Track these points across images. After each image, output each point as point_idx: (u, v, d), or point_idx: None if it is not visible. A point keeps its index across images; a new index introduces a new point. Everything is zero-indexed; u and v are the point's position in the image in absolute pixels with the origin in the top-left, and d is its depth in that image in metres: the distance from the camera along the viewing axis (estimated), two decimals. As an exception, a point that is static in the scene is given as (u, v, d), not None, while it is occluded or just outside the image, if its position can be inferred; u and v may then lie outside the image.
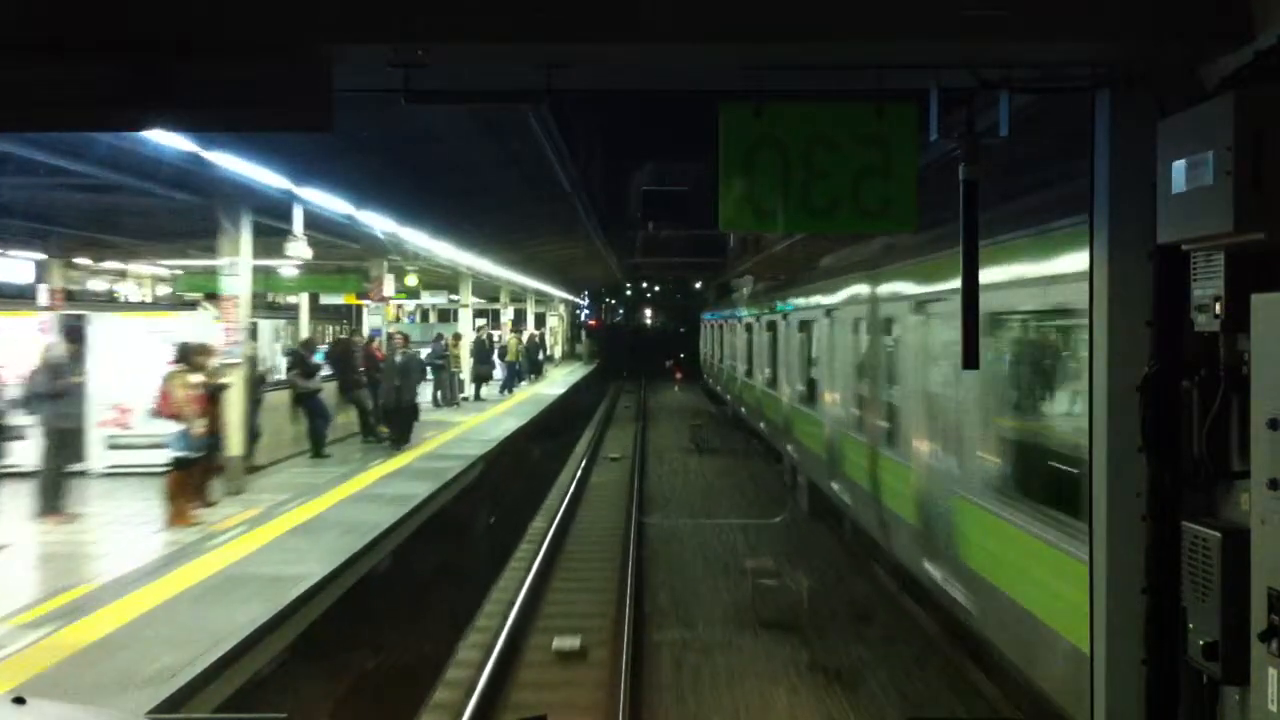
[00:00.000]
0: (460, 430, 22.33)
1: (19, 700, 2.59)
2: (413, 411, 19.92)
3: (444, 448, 19.32)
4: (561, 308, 60.98)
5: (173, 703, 6.70)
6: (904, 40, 3.69)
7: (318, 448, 17.85)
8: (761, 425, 22.95)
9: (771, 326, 21.32)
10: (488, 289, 41.10)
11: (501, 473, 19.79)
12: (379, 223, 18.81)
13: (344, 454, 18.29)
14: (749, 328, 25.80)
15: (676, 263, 41.26)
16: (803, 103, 4.17)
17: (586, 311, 79.64)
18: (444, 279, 33.65)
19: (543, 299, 53.95)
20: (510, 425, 23.27)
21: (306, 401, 18.03)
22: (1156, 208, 3.70)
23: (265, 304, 31.49)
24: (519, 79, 4.23)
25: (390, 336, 21.88)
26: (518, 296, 47.82)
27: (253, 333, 18.41)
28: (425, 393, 25.06)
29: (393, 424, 19.33)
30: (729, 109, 4.11)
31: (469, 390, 29.91)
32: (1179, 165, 3.55)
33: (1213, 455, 3.66)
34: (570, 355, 62.86)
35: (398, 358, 19.56)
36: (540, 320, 54.67)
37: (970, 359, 4.40)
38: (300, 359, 19.09)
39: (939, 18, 3.57)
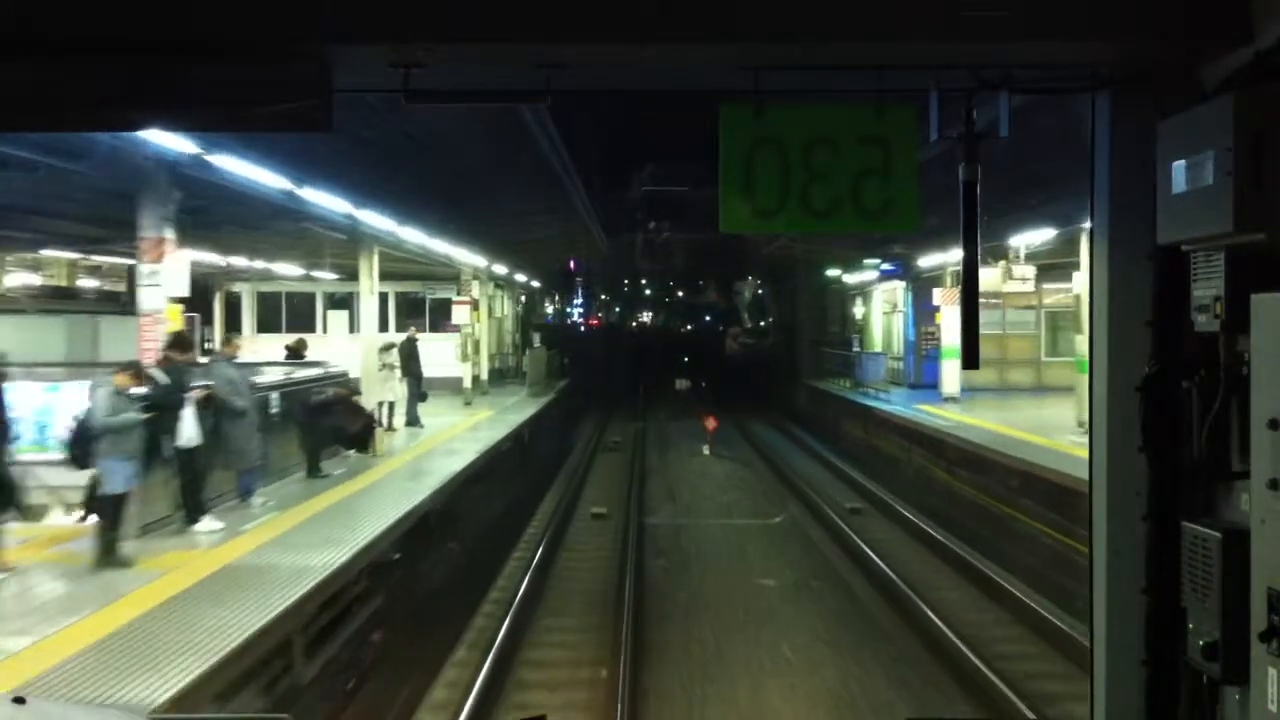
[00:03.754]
0: None
1: (19, 700, 2.59)
2: None
3: None
4: (476, 288, 30.57)
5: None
6: (904, 40, 3.68)
7: None
8: None
9: None
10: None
11: None
12: None
13: None
14: None
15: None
16: (803, 103, 4.17)
17: (580, 309, 67.98)
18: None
19: (433, 270, 28.75)
20: None
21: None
22: (1156, 208, 3.70)
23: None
24: (519, 79, 4.23)
25: None
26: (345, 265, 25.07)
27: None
28: None
29: None
30: (729, 109, 4.10)
31: None
32: (1179, 166, 3.55)
33: (1213, 455, 3.65)
34: (513, 374, 36.75)
35: None
36: (443, 312, 30.69)
37: (970, 359, 4.39)
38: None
39: (939, 18, 3.56)
